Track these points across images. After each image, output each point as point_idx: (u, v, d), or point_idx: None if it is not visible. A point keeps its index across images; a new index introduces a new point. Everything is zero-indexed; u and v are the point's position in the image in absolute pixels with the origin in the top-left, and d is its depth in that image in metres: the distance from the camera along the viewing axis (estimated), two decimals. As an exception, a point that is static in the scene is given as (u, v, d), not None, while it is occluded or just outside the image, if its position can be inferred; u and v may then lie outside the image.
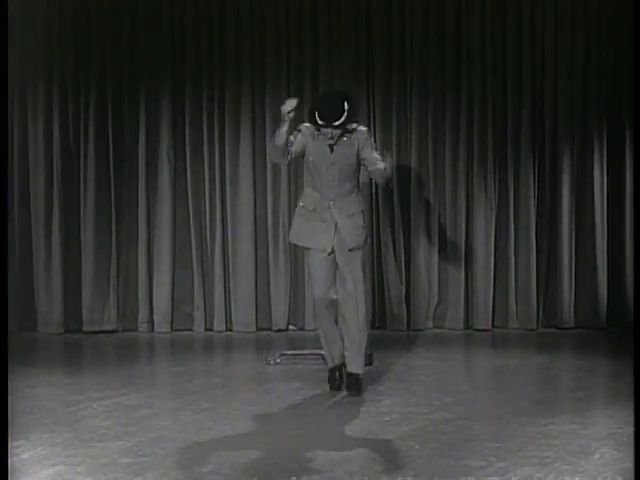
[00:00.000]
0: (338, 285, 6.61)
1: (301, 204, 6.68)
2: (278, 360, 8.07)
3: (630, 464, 4.66)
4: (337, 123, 6.32)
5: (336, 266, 6.58)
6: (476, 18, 9.99)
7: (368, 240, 6.93)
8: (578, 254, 10.04)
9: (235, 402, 6.58)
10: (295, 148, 6.51)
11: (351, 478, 4.78)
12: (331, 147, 6.48)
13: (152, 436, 5.59)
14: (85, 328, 9.95)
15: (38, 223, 9.96)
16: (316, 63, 10.08)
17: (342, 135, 6.46)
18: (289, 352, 8.26)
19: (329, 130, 6.37)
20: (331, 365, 6.92)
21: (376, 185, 9.81)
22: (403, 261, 9.98)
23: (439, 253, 10.08)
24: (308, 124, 6.58)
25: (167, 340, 9.73)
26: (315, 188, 6.56)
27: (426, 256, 10.05)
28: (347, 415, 6.12)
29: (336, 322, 6.79)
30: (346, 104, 6.37)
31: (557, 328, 10.01)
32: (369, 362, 7.98)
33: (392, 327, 9.90)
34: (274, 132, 6.52)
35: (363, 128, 6.64)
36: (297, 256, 10.10)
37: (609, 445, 5.32)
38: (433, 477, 4.79)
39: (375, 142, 6.85)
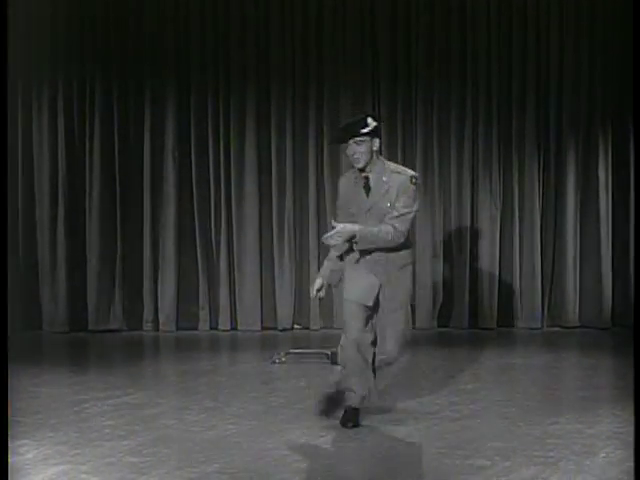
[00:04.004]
0: (378, 345, 5.81)
1: (348, 257, 5.85)
2: (283, 359, 8.07)
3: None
4: (364, 130, 5.61)
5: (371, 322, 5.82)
6: (481, 18, 10.01)
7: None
8: (583, 253, 10.04)
9: (240, 401, 6.57)
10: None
11: (356, 477, 4.78)
12: (367, 191, 5.73)
13: (157, 435, 5.60)
14: (90, 327, 9.97)
15: (43, 223, 9.98)
16: (321, 62, 10.10)
17: (381, 176, 5.70)
18: (294, 351, 8.26)
19: (355, 152, 5.64)
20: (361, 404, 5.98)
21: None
22: (408, 260, 9.98)
23: (444, 252, 10.08)
24: (347, 174, 5.94)
25: (172, 339, 9.74)
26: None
27: (431, 255, 10.05)
28: (352, 414, 6.10)
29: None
30: (370, 119, 5.67)
31: (562, 327, 10.01)
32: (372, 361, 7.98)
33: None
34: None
35: (409, 172, 5.76)
36: (302, 256, 10.12)
37: (614, 444, 5.31)
38: (438, 476, 4.79)
39: (415, 191, 5.72)
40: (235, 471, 4.84)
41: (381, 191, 5.69)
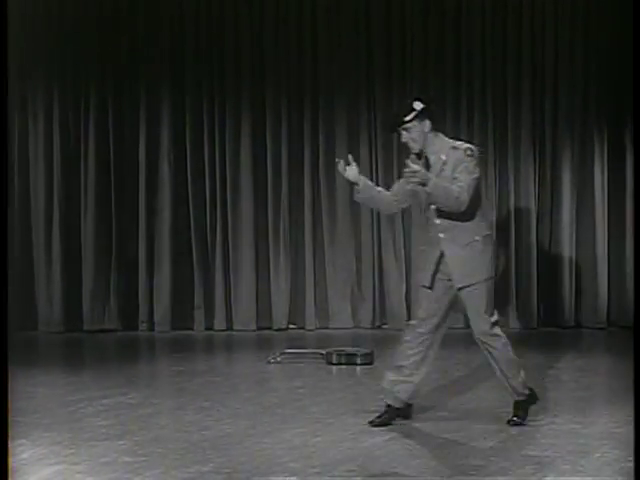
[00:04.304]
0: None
1: (421, 247, 5.96)
2: (279, 359, 8.06)
3: (630, 463, 4.65)
4: (408, 118, 5.59)
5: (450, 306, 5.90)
6: (476, 18, 10.01)
7: (495, 269, 5.90)
8: (579, 253, 10.05)
9: (235, 401, 6.57)
10: (396, 193, 5.88)
11: (352, 477, 4.78)
12: (427, 168, 5.60)
13: (152, 435, 5.59)
14: (85, 327, 9.96)
15: (38, 224, 9.97)
16: (315, 62, 10.10)
17: (440, 155, 5.64)
18: (290, 351, 8.26)
19: (407, 140, 5.66)
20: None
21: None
22: (404, 259, 9.98)
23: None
24: (412, 155, 5.79)
25: (167, 339, 9.73)
26: (427, 222, 5.79)
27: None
28: (348, 414, 6.11)
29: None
30: (417, 103, 5.65)
31: (558, 327, 10.01)
32: (370, 361, 7.98)
33: (393, 326, 9.89)
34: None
35: (465, 145, 5.70)
36: (297, 256, 10.12)
37: (609, 444, 5.31)
38: (434, 476, 4.78)
39: (470, 162, 5.60)
40: (231, 471, 4.84)
41: (439, 167, 5.63)
